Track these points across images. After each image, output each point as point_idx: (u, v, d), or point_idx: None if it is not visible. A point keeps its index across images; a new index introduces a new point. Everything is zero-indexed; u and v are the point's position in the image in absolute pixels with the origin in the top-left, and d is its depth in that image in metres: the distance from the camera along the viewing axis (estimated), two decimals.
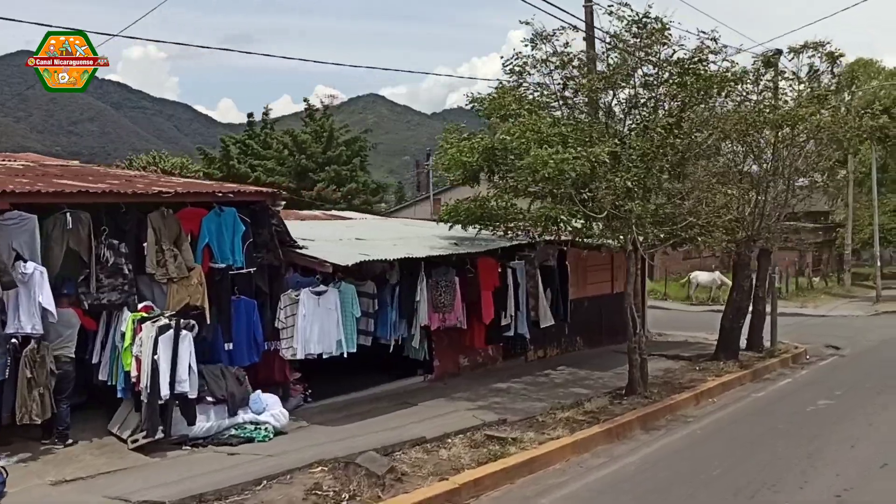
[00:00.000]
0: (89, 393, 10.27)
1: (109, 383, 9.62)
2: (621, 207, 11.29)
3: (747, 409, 13.47)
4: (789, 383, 15.84)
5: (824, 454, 10.17)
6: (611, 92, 12.17)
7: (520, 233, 13.20)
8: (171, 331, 9.02)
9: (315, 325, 10.69)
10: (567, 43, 12.65)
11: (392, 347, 12.83)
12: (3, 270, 8.36)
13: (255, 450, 9.49)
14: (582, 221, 12.64)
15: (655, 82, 11.92)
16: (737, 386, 15.35)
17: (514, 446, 9.97)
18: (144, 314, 9.33)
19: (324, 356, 10.92)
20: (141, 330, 9.05)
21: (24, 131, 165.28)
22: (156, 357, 8.83)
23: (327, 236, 12.87)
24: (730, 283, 35.77)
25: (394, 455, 9.31)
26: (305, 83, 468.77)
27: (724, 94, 12.40)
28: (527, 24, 12.37)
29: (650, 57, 11.78)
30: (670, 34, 11.98)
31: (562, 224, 12.01)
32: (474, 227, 13.81)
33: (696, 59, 11.76)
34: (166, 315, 9.30)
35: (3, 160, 12.39)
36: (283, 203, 11.26)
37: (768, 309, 19.79)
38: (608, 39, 12.38)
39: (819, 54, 18.22)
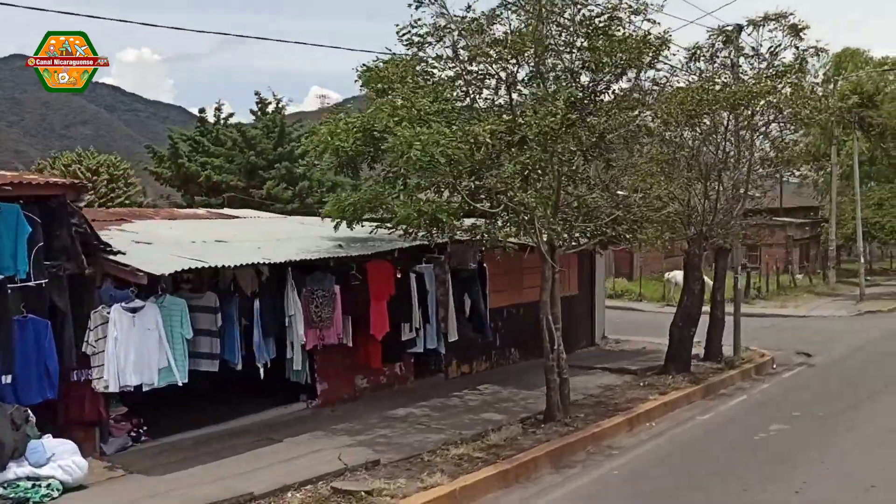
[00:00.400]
0: None
1: None
2: (513, 199, 9.07)
3: (685, 438, 11.30)
4: (743, 402, 13.64)
5: None
6: (514, 60, 9.92)
7: (421, 232, 10.92)
8: None
9: (130, 350, 8.51)
10: (470, 6, 10.40)
11: (262, 372, 10.63)
12: None
13: None
14: (477, 218, 10.41)
15: (563, 47, 9.66)
16: (683, 405, 13.18)
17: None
18: None
19: (144, 388, 8.71)
20: None
21: (17, 135, 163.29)
22: None
23: (178, 238, 10.67)
24: (709, 281, 33.91)
25: None
26: (301, 85, 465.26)
27: (647, 61, 10.12)
28: None
29: (557, 16, 9.54)
30: None
31: (444, 224, 9.71)
32: (366, 226, 11.62)
33: (606, 16, 9.48)
34: None
35: None
36: (88, 198, 9.04)
37: (738, 311, 17.72)
38: None
39: (781, 27, 16.00)
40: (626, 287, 36.38)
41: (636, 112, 11.07)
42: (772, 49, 16.06)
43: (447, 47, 9.89)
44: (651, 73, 11.44)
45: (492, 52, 9.51)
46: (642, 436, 11.41)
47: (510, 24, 10.02)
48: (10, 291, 7.97)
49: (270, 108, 35.00)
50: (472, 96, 9.91)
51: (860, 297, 31.22)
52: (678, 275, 33.87)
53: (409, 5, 10.15)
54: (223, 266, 9.26)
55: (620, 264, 40.37)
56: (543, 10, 9.30)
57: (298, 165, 31.66)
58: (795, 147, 17.50)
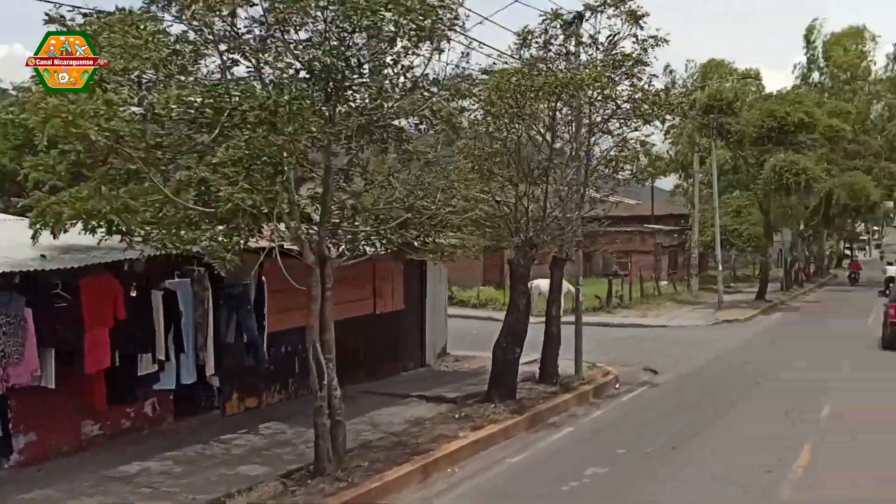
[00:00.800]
0: None
1: None
2: (233, 195, 6.70)
3: (488, 488, 9.24)
4: (568, 434, 11.74)
5: None
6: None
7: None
8: None
9: None
10: None
11: None
12: None
13: None
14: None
15: None
16: (500, 440, 11.17)
17: None
18: None
19: None
20: None
21: None
22: None
23: None
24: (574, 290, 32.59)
25: None
26: None
27: (427, 24, 7.96)
28: None
29: None
30: None
31: (129, 229, 7.22)
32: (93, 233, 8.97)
33: None
34: None
35: None
36: None
37: (580, 324, 15.99)
38: None
39: (620, 14, 14.34)
40: (491, 296, 34.55)
41: (427, 95, 8.89)
42: (610, 38, 14.44)
43: None
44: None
45: None
46: (438, 486, 9.29)
47: None
48: None
49: None
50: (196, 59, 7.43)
51: (718, 305, 30.49)
52: (543, 284, 32.43)
53: None
54: None
55: (489, 271, 38.78)
56: None
57: None
58: (643, 147, 15.90)
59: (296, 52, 7.27)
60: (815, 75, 53.10)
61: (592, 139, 14.85)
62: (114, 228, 7.27)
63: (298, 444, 10.22)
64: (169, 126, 6.48)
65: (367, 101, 7.85)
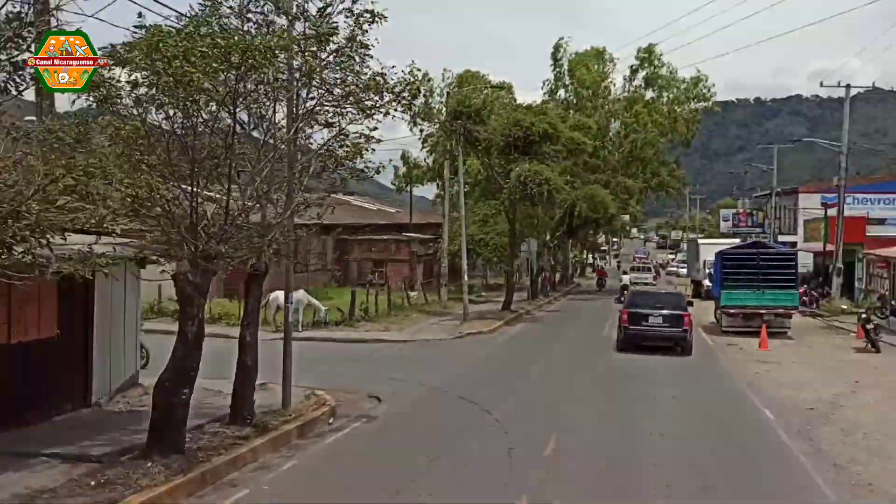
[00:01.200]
0: None
1: None
2: None
3: None
4: (243, 501, 9.10)
5: None
6: None
7: None
8: None
9: None
10: None
11: None
12: None
13: None
14: None
15: None
16: None
17: None
18: None
19: None
20: None
21: None
22: None
23: None
24: (318, 304, 29.94)
25: None
26: None
27: None
28: None
29: None
30: None
31: None
32: None
33: None
34: None
35: None
36: None
37: (288, 346, 13.42)
38: None
39: None
40: (226, 310, 31.03)
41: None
42: (322, 10, 12.10)
43: None
44: None
45: None
46: None
47: None
48: None
49: None
50: None
51: (464, 317, 29.37)
52: (281, 296, 29.62)
53: None
54: None
55: (232, 279, 35.18)
56: None
57: None
58: (367, 143, 13.61)
59: None
60: (562, 92, 55.03)
61: (309, 130, 12.50)
62: None
63: None
64: None
65: None
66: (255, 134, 11.68)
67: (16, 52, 8.78)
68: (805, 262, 40.56)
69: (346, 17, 11.85)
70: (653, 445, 12.05)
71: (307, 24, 11.91)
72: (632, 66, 53.68)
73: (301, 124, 11.95)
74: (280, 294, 29.35)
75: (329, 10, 12.04)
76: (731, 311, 27.59)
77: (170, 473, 9.24)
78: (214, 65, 9.26)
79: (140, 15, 9.99)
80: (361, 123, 12.65)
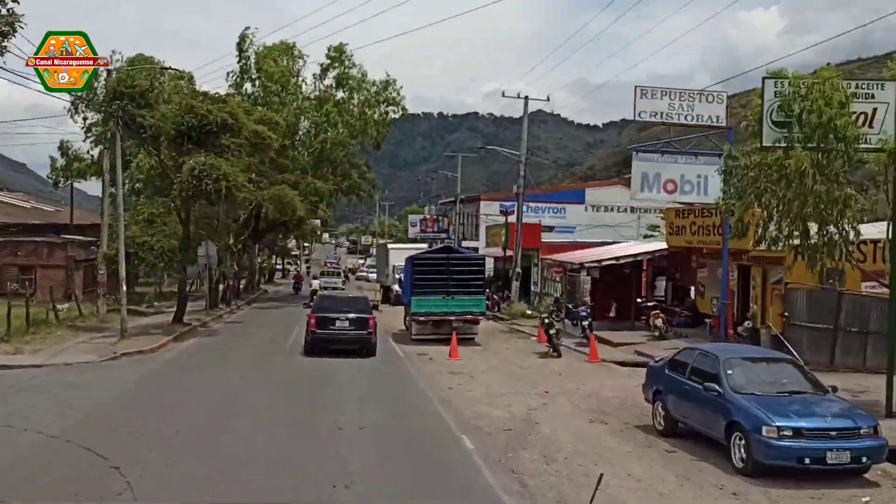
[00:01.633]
0: None
1: None
2: None
3: None
4: None
5: None
6: None
7: None
8: None
9: None
10: None
11: None
12: None
13: None
14: None
15: None
16: None
17: None
18: None
19: None
20: None
21: None
22: None
23: None
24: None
25: None
26: None
27: None
28: None
29: None
30: None
31: None
32: None
33: None
34: None
35: None
36: None
37: None
38: None
39: None
40: None
41: None
42: None
43: None
44: None
45: None
46: None
47: None
48: None
49: None
50: None
51: (122, 334, 24.68)
52: None
53: None
54: None
55: None
56: None
57: None
58: None
59: None
60: (249, 86, 51.35)
61: None
62: None
63: None
64: None
65: None
66: None
67: None
68: (487, 266, 41.42)
69: None
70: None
71: None
72: (322, 65, 51.64)
73: None
74: None
75: None
76: (421, 318, 26.34)
77: None
78: None
79: None
80: None
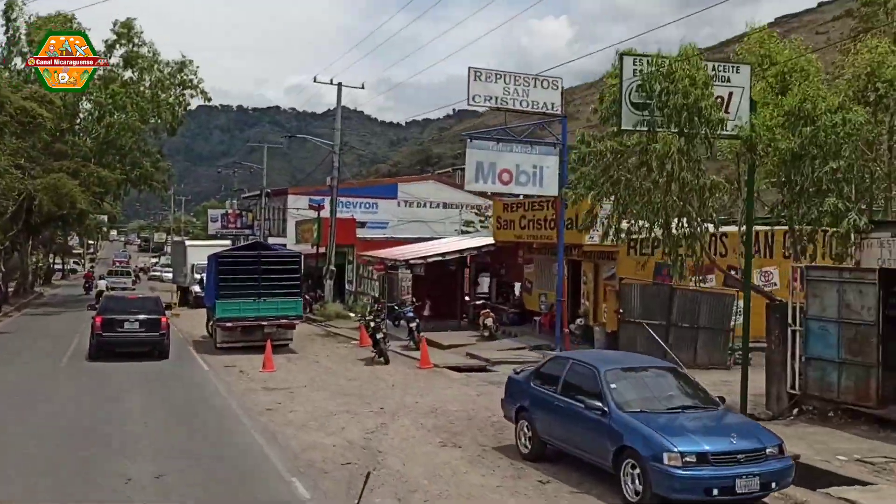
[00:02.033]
0: None
1: None
2: None
3: None
4: None
5: None
6: None
7: None
8: None
9: None
10: None
11: None
12: None
13: None
14: None
15: None
16: None
17: None
18: None
19: None
20: None
21: None
22: None
23: None
24: None
25: None
26: None
27: None
28: None
29: None
30: None
31: None
32: None
33: None
34: None
35: None
36: None
37: None
38: None
39: None
40: None
41: None
42: None
43: None
44: None
45: None
46: None
47: None
48: None
49: None
50: None
51: None
52: None
53: None
54: None
55: None
56: None
57: None
58: None
59: None
60: (19, 60, 44.33)
61: None
62: None
63: None
64: None
65: None
66: None
67: None
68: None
69: None
70: None
71: None
72: (107, 41, 45.58)
73: None
74: None
75: None
76: (229, 323, 22.90)
77: None
78: None
79: None
80: None
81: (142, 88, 44.96)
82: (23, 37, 43.91)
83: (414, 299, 24.23)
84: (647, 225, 14.05)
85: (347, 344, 25.70)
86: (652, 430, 9.11)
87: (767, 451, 9.07)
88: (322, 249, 37.30)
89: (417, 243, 34.43)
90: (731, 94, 14.05)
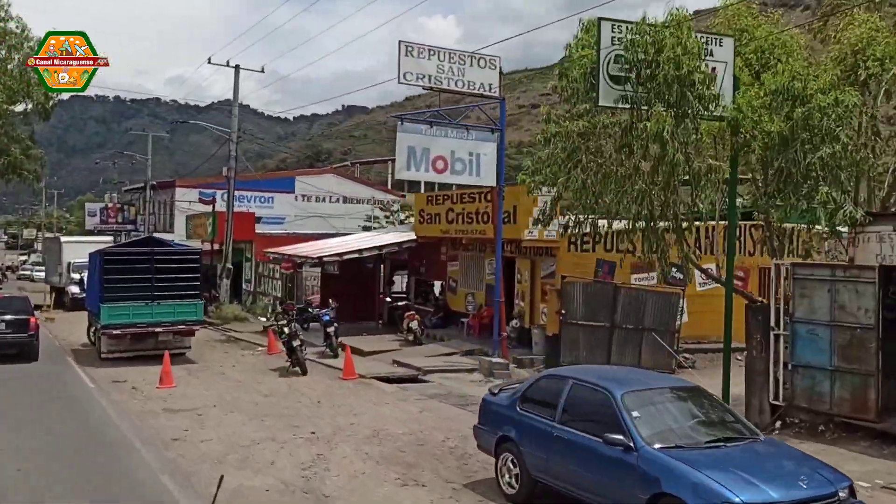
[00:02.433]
0: None
1: None
2: None
3: None
4: None
5: None
6: None
7: None
8: None
9: None
10: None
11: None
12: None
13: None
14: None
15: None
16: None
17: None
18: None
19: None
20: None
21: None
22: None
23: None
24: None
25: None
26: None
27: None
28: None
29: None
30: None
31: None
32: None
33: None
34: None
35: None
36: None
37: None
38: None
39: None
40: None
41: None
42: None
43: None
44: None
45: None
46: None
47: None
48: None
49: None
50: None
51: None
52: None
53: None
54: None
55: None
56: None
57: None
58: None
59: None
60: None
61: None
62: None
63: None
64: None
65: None
66: None
67: None
68: None
69: None
70: None
71: None
72: None
73: None
74: None
75: None
76: (116, 331, 19.51)
77: None
78: None
79: None
80: None
81: (9, 67, 39.73)
82: None
83: (331, 301, 21.51)
84: (622, 216, 12.10)
85: (253, 351, 22.72)
86: (702, 473, 7.05)
87: (840, 495, 7.19)
88: (217, 246, 33.84)
89: (324, 239, 31.61)
90: (713, 69, 12.30)
